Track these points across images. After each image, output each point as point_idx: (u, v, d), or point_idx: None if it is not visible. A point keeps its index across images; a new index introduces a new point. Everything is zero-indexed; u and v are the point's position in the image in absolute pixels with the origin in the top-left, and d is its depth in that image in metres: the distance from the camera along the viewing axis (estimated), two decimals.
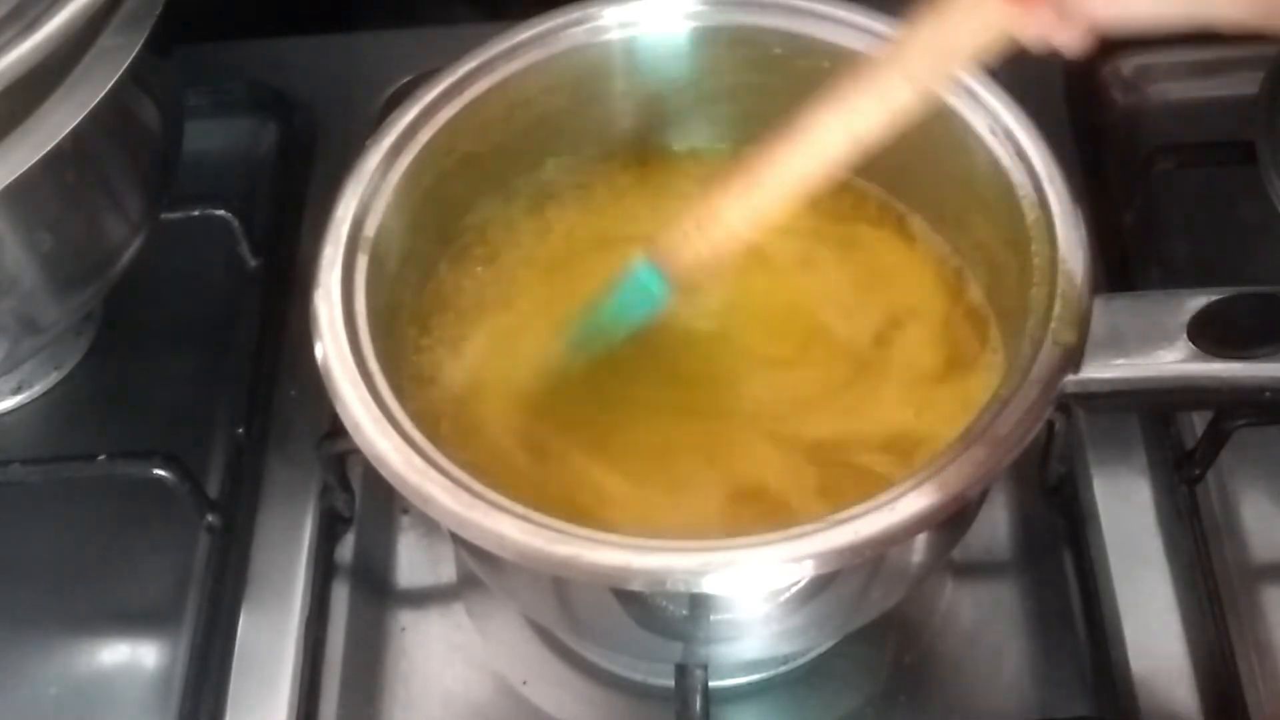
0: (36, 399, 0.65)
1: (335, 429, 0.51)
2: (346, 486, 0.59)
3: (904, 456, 0.49)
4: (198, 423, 0.63)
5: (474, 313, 0.54)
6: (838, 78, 0.43)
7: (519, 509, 0.42)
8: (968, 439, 0.43)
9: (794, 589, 0.46)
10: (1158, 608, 0.54)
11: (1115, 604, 0.54)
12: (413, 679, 0.57)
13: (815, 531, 0.41)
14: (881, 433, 0.49)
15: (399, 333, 0.51)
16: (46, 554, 0.61)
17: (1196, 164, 0.65)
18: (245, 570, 0.57)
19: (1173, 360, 0.45)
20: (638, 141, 0.57)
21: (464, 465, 0.44)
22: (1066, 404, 0.46)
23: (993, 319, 0.52)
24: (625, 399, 0.51)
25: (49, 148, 0.49)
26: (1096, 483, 0.57)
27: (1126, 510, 0.57)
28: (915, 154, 0.53)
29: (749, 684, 0.56)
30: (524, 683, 0.57)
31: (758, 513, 0.48)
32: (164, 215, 0.61)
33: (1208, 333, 0.44)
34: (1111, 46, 0.72)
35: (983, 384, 0.50)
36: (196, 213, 0.66)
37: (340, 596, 0.58)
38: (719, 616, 0.48)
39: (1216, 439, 0.56)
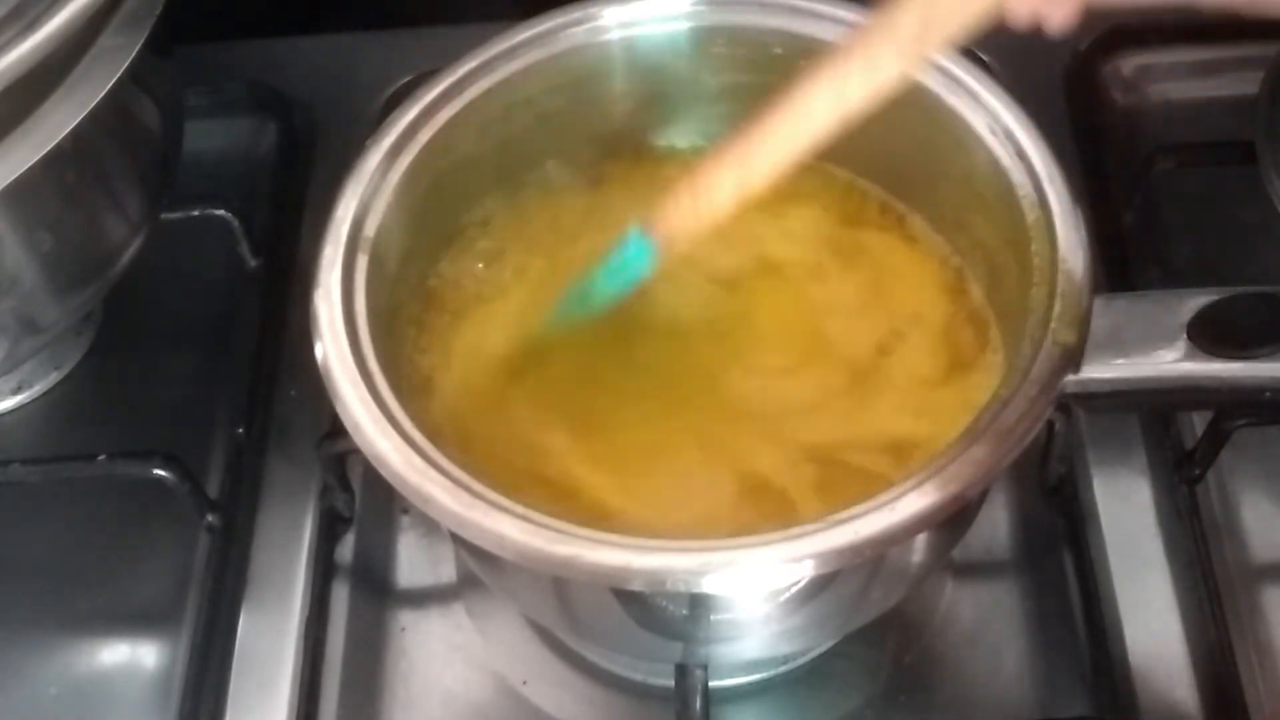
0: (36, 399, 0.65)
1: (335, 429, 0.51)
2: (346, 486, 0.59)
3: (903, 457, 0.49)
4: (198, 423, 0.63)
5: (474, 313, 0.54)
6: (829, 50, 0.43)
7: (519, 509, 0.42)
8: (968, 439, 0.43)
9: (794, 589, 0.46)
10: (1158, 608, 0.54)
11: (1115, 604, 0.54)
12: (413, 679, 0.57)
13: (815, 531, 0.41)
14: (881, 435, 0.49)
15: (399, 333, 0.51)
16: (46, 554, 0.61)
17: (1196, 164, 0.66)
18: (245, 570, 0.57)
19: (1173, 360, 0.45)
20: (638, 141, 0.57)
21: (464, 466, 0.44)
22: (1066, 404, 0.46)
23: (993, 319, 0.52)
24: (624, 399, 0.51)
25: (49, 148, 0.49)
26: (1096, 483, 0.57)
27: (1126, 510, 0.57)
28: (915, 154, 0.53)
29: (749, 684, 0.56)
30: (524, 683, 0.57)
31: (757, 508, 0.48)
32: (164, 215, 0.61)
33: (1208, 333, 0.44)
34: (1111, 46, 0.72)
35: (983, 384, 0.50)
36: (196, 213, 0.66)
37: (340, 596, 0.58)
38: (719, 616, 0.48)
39: (1216, 439, 0.56)
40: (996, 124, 0.50)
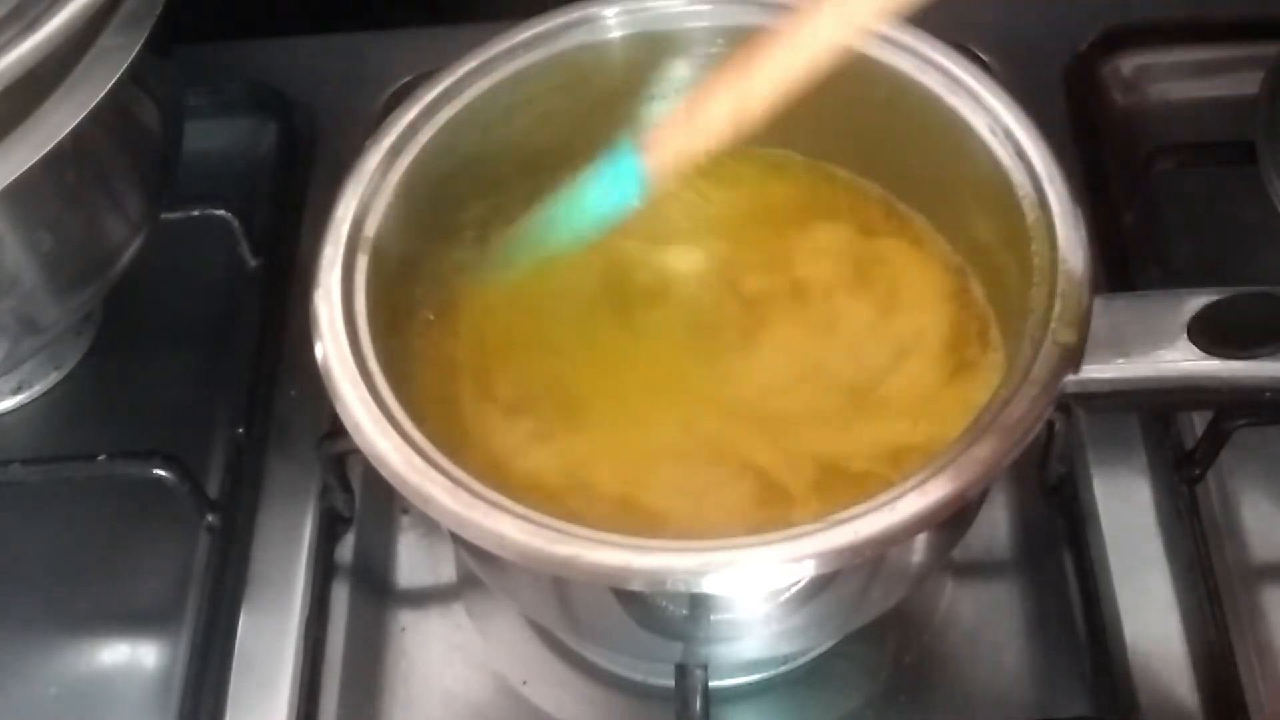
0: (36, 399, 0.65)
1: (335, 429, 0.51)
2: (346, 486, 0.59)
3: (903, 459, 0.49)
4: (198, 423, 0.63)
5: (474, 312, 0.54)
6: None
7: (519, 509, 0.42)
8: (968, 439, 0.43)
9: (794, 589, 0.46)
10: (1158, 608, 0.54)
11: (1115, 604, 0.54)
12: (413, 679, 0.57)
13: (815, 531, 0.41)
14: (882, 439, 0.49)
15: (399, 332, 0.51)
16: (46, 554, 0.61)
17: (1196, 164, 0.66)
18: (245, 570, 0.57)
19: (1173, 360, 0.45)
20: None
21: (464, 465, 0.44)
22: (1066, 404, 0.46)
23: (993, 319, 0.52)
24: (627, 395, 0.51)
25: (49, 148, 0.49)
26: (1096, 483, 0.57)
27: (1126, 510, 0.57)
28: (916, 154, 0.53)
29: (749, 684, 0.56)
30: (524, 683, 0.57)
31: (757, 501, 0.48)
32: (164, 215, 0.61)
33: (1208, 333, 0.44)
34: (1112, 46, 0.72)
35: (983, 384, 0.50)
36: (196, 213, 0.66)
37: (340, 596, 0.58)
38: (719, 616, 0.48)
39: (1216, 439, 0.56)
40: (996, 124, 0.50)
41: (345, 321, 0.46)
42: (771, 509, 0.48)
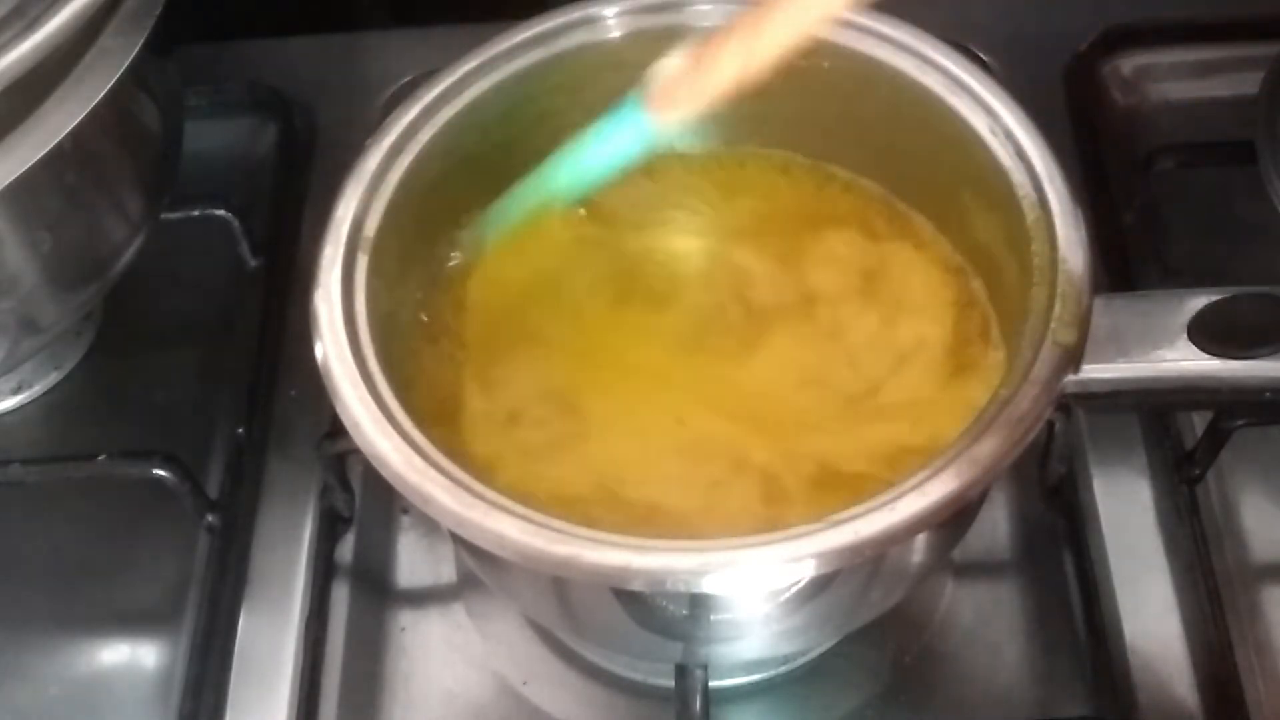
0: (36, 399, 0.65)
1: (335, 429, 0.51)
2: (346, 486, 0.59)
3: (902, 460, 0.49)
4: (198, 423, 0.63)
5: (474, 312, 0.54)
6: None
7: (519, 509, 0.42)
8: (968, 439, 0.43)
9: (794, 589, 0.46)
10: (1158, 608, 0.54)
11: (1115, 604, 0.54)
12: (413, 679, 0.57)
13: (815, 531, 0.41)
14: (882, 441, 0.49)
15: (399, 332, 0.51)
16: (46, 554, 0.61)
17: (1196, 164, 0.66)
18: (245, 570, 0.57)
19: (1173, 360, 0.45)
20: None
21: (465, 466, 0.44)
22: (1066, 404, 0.46)
23: (993, 319, 0.52)
24: (625, 401, 0.51)
25: (49, 148, 0.49)
26: (1096, 483, 0.57)
27: (1126, 510, 0.57)
28: (916, 154, 0.53)
29: (749, 684, 0.56)
30: (524, 683, 0.57)
31: (755, 496, 0.48)
32: (164, 215, 0.61)
33: (1208, 333, 0.44)
34: (1111, 46, 0.72)
35: (983, 384, 0.50)
36: (196, 213, 0.66)
37: (340, 596, 0.58)
38: (719, 616, 0.48)
39: (1216, 439, 0.56)
40: (996, 124, 0.50)
41: (345, 321, 0.46)
42: (773, 509, 0.48)
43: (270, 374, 0.63)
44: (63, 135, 0.49)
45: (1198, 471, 0.57)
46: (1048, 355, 0.44)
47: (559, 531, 0.42)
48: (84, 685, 0.57)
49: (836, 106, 0.54)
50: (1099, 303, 0.45)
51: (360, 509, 0.60)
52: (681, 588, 0.41)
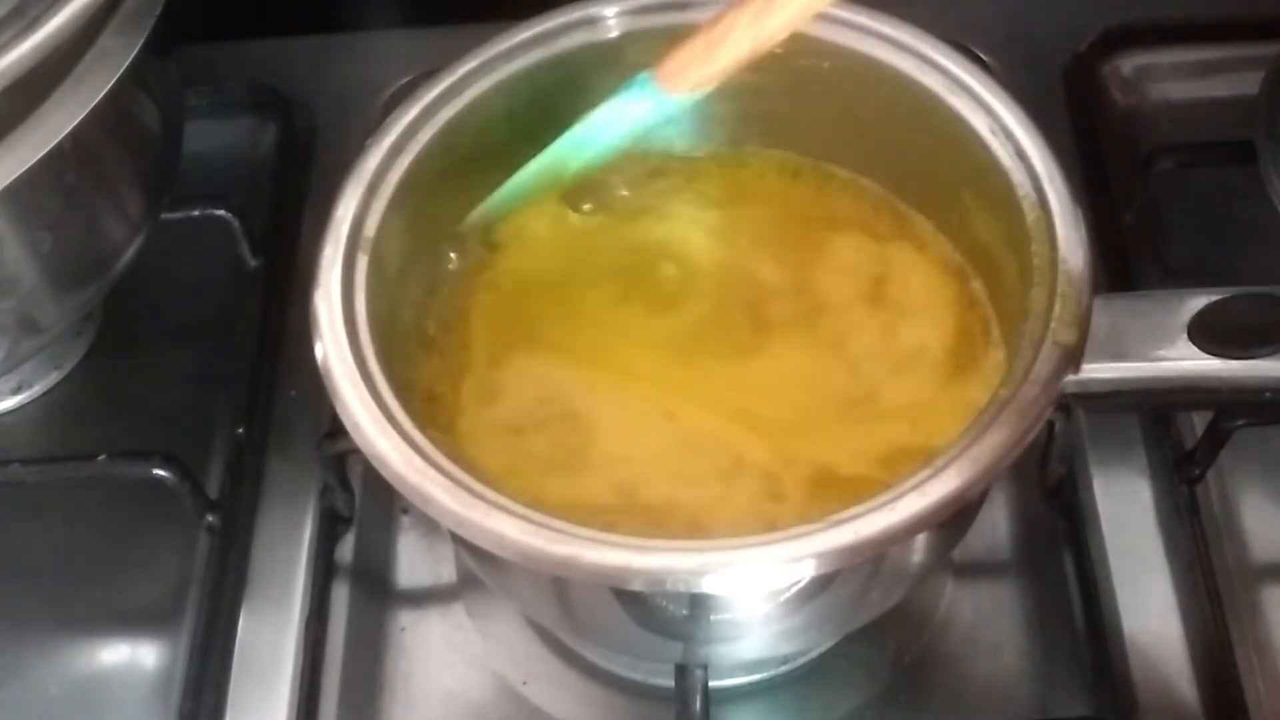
0: (36, 399, 0.65)
1: (335, 429, 0.51)
2: (346, 486, 0.59)
3: (903, 460, 0.48)
4: (198, 423, 0.63)
5: (474, 311, 0.54)
6: None
7: (519, 509, 0.42)
8: (968, 439, 0.43)
9: (794, 589, 0.46)
10: (1158, 608, 0.54)
11: (1115, 604, 0.54)
12: (413, 679, 0.57)
13: (815, 531, 0.41)
14: (881, 443, 0.49)
15: (399, 333, 0.51)
16: (46, 554, 0.61)
17: (1196, 164, 0.66)
18: (245, 570, 0.57)
19: (1173, 360, 0.45)
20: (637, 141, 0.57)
21: (465, 466, 0.44)
22: (1066, 404, 0.46)
23: (993, 319, 0.52)
24: (625, 399, 0.51)
25: (49, 148, 0.49)
26: (1096, 483, 0.57)
27: (1126, 510, 0.57)
28: (916, 154, 0.53)
29: (749, 684, 0.56)
30: (524, 683, 0.57)
31: (759, 500, 0.48)
32: (164, 215, 0.61)
33: (1208, 333, 0.44)
34: (1111, 46, 0.72)
35: (983, 384, 0.50)
36: (196, 213, 0.66)
37: (340, 596, 0.58)
38: (719, 616, 0.48)
39: (1216, 439, 0.56)
40: (996, 124, 0.50)
41: (345, 321, 0.46)
42: (779, 506, 0.48)
43: (270, 374, 0.63)
44: (63, 135, 0.49)
45: (1198, 471, 0.57)
46: (1048, 355, 0.44)
47: (559, 531, 0.42)
48: (84, 685, 0.57)
49: (836, 106, 0.54)
50: (1099, 303, 0.45)
51: (360, 509, 0.60)
52: (681, 588, 0.41)
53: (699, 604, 0.47)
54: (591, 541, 0.42)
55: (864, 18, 0.52)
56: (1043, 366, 0.44)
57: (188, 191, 0.63)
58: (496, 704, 0.56)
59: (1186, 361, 0.44)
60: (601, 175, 0.55)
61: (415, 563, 0.60)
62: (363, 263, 0.48)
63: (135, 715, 0.56)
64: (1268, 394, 0.45)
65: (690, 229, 0.56)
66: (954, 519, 0.45)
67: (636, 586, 0.42)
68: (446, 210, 0.54)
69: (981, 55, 0.67)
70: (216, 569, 0.57)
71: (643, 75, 0.50)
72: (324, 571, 0.58)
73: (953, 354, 0.51)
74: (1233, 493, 0.59)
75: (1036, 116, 0.50)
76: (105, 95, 0.50)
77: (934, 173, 0.53)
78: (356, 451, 0.45)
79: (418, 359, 0.52)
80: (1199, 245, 0.66)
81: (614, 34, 0.54)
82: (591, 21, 0.54)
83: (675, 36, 0.54)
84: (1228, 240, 0.65)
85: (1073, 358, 0.44)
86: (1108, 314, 0.45)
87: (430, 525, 0.60)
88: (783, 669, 0.56)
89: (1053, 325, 0.45)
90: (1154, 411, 0.58)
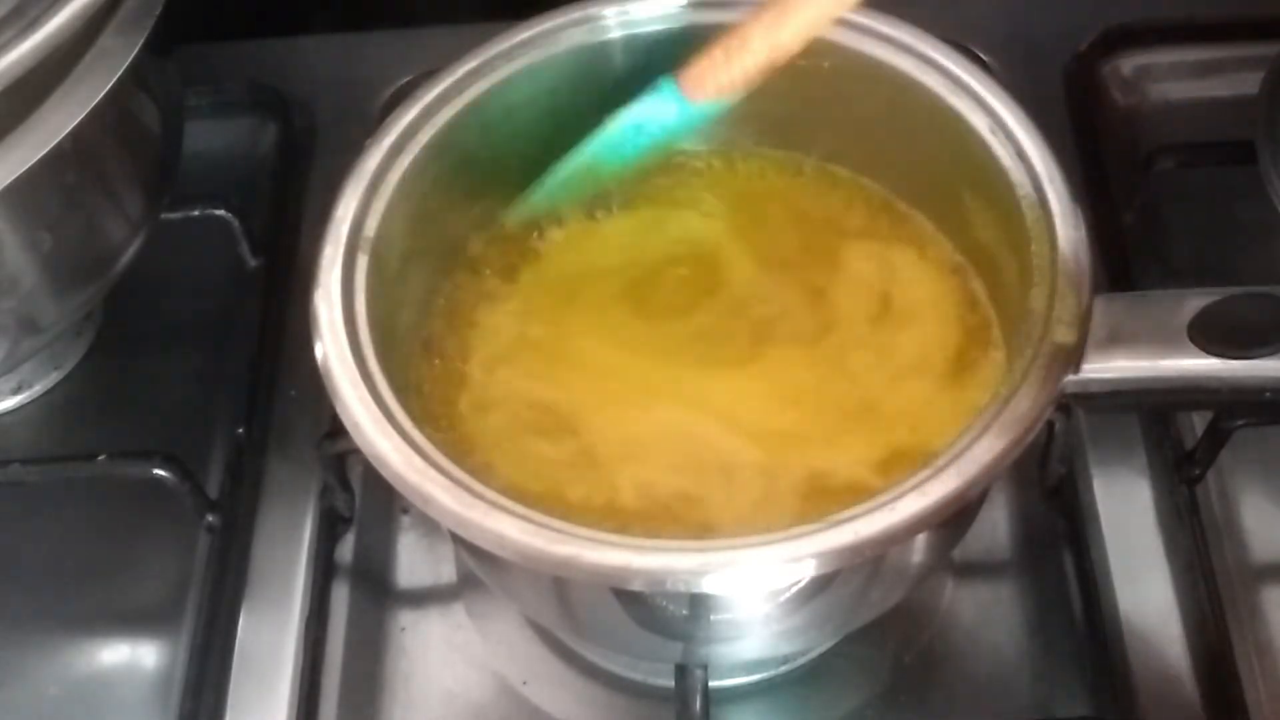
0: (36, 399, 0.65)
1: (335, 429, 0.51)
2: (346, 486, 0.59)
3: (903, 460, 0.48)
4: (198, 423, 0.63)
5: (475, 312, 0.54)
6: None
7: (519, 509, 0.42)
8: (968, 439, 0.43)
9: (794, 589, 0.46)
10: (1158, 608, 0.54)
11: (1115, 604, 0.54)
12: (413, 679, 0.57)
13: (815, 531, 0.41)
14: (880, 446, 0.49)
15: (399, 332, 0.51)
16: (46, 554, 0.61)
17: (1196, 164, 0.65)
18: (245, 570, 0.57)
19: (1173, 360, 0.45)
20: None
21: (466, 466, 0.44)
22: (1066, 404, 0.46)
23: (993, 319, 0.52)
24: (620, 391, 0.51)
25: (49, 148, 0.49)
26: (1096, 483, 0.57)
27: (1126, 510, 0.57)
28: (916, 154, 0.53)
29: (749, 684, 0.56)
30: (524, 683, 0.57)
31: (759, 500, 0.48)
32: (164, 215, 0.61)
33: (1208, 333, 0.44)
34: (1111, 46, 0.72)
35: (983, 384, 0.50)
36: (196, 213, 0.66)
37: (340, 596, 0.58)
38: (719, 616, 0.48)
39: (1216, 439, 0.56)
40: (996, 124, 0.50)
41: (345, 321, 0.46)
42: (773, 511, 0.48)
43: (270, 374, 0.63)
44: (63, 135, 0.49)
45: (1198, 471, 0.57)
46: (1048, 355, 0.44)
47: (559, 531, 0.42)
48: (84, 685, 0.57)
49: (836, 106, 0.54)
50: (1099, 303, 0.45)
51: (360, 509, 0.60)
52: (681, 588, 0.41)
53: (699, 604, 0.47)
54: (591, 541, 0.42)
55: (864, 18, 0.52)
56: (1043, 366, 0.44)
57: (188, 191, 0.63)
58: (496, 704, 0.56)
59: (1186, 361, 0.44)
60: None
61: (415, 563, 0.60)
62: (363, 263, 0.48)
63: (135, 715, 0.56)
64: (1268, 394, 0.45)
65: (690, 230, 0.56)
66: (954, 519, 0.45)
67: (636, 586, 0.42)
68: (446, 210, 0.54)
69: (981, 55, 0.67)
70: (216, 569, 0.57)
71: (665, 81, 0.50)
72: (324, 571, 0.58)
73: (953, 354, 0.51)
74: (1233, 493, 0.59)
75: (1036, 116, 0.50)
76: (105, 95, 0.50)
77: (934, 173, 0.53)
78: (356, 451, 0.45)
79: (418, 359, 0.52)
80: (1199, 245, 0.66)
81: (614, 34, 0.54)
82: (591, 21, 0.54)
83: (674, 37, 0.54)
84: (1228, 240, 0.65)
85: (1073, 358, 0.44)
86: (1108, 314, 0.45)
87: (430, 525, 0.60)
88: (783, 669, 0.56)
89: (1053, 325, 0.45)
90: (1154, 411, 0.58)
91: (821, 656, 0.56)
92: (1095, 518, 0.56)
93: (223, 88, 0.73)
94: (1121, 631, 0.54)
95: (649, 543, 0.42)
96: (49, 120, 0.49)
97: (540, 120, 0.54)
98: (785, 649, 0.54)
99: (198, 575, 0.59)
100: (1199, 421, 0.58)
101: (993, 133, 0.50)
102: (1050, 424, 0.55)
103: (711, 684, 0.51)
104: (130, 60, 0.51)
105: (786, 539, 0.41)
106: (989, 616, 0.57)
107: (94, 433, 0.64)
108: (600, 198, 0.56)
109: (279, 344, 0.63)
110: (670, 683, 0.52)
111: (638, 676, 0.57)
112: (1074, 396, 0.45)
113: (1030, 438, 0.43)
